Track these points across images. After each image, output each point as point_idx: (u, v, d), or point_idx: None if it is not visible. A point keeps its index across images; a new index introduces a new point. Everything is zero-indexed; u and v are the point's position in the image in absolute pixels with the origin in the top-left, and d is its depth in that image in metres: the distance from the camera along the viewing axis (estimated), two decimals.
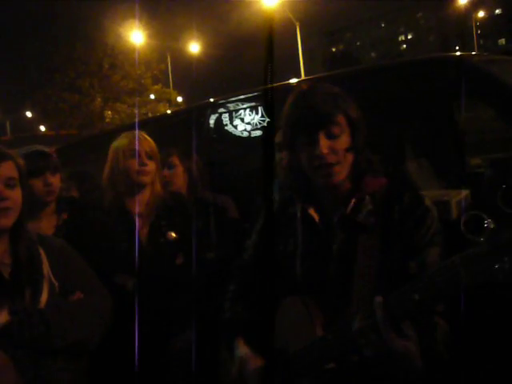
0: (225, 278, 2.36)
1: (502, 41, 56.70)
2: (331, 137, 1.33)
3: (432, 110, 3.18)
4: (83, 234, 2.09)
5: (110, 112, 24.44)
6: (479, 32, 49.06)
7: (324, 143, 1.31)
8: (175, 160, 2.60)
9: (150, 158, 2.16)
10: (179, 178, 2.61)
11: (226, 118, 3.28)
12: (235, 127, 3.24)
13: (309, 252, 1.41)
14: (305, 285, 1.40)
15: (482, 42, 54.11)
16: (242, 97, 3.26)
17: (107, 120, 24.14)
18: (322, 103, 1.32)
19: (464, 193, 2.18)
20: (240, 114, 3.22)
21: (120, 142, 2.19)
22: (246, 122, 3.20)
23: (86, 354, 1.64)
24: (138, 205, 2.14)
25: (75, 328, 1.54)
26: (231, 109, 3.26)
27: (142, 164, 2.13)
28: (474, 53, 3.03)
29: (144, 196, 2.17)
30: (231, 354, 1.45)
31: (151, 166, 2.16)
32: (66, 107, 23.07)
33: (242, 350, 1.42)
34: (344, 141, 1.34)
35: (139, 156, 2.13)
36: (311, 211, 1.43)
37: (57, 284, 1.60)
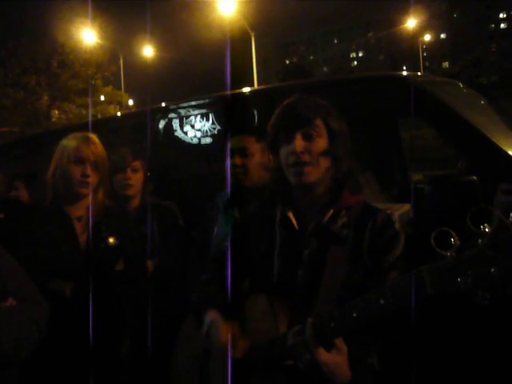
0: (168, 283, 2.35)
1: (446, 64, 59.62)
2: (307, 138, 1.42)
3: (378, 125, 3.29)
4: (19, 236, 1.99)
5: (56, 111, 23.62)
6: (425, 54, 51.37)
7: (300, 143, 1.41)
8: (138, 164, 2.55)
9: (96, 167, 2.07)
10: (140, 182, 2.56)
11: (176, 124, 3.25)
12: (185, 133, 3.22)
13: (282, 253, 1.48)
14: (273, 284, 1.45)
15: (427, 63, 56.66)
16: (193, 103, 3.25)
17: (53, 119, 23.30)
18: (304, 108, 1.44)
19: (406, 207, 2.26)
20: (191, 121, 3.20)
21: (68, 142, 2.10)
22: (197, 128, 3.19)
23: (16, 362, 1.55)
24: (78, 209, 2.06)
25: (5, 336, 1.45)
26: (182, 115, 3.24)
27: (85, 175, 2.03)
28: (419, 73, 3.16)
29: (85, 202, 2.10)
30: (201, 326, 1.50)
31: (94, 177, 2.06)
32: (9, 104, 22.08)
33: (212, 317, 1.48)
34: (320, 145, 1.43)
35: (83, 165, 2.04)
36: (290, 214, 1.49)
37: None
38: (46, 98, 23.01)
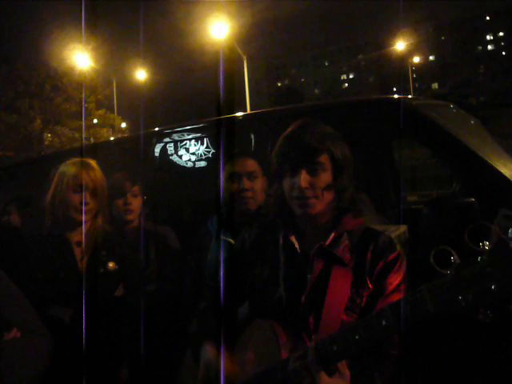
0: (166, 308, 2.32)
1: (435, 85, 60.58)
2: (312, 173, 1.41)
3: (372, 147, 3.32)
4: (17, 262, 1.97)
5: (49, 135, 23.60)
6: (414, 76, 52.16)
7: (304, 178, 1.40)
8: (137, 190, 2.55)
9: (95, 194, 2.07)
10: (139, 207, 2.56)
11: (171, 148, 3.26)
12: (180, 157, 3.23)
13: (284, 277, 1.45)
14: (276, 309, 1.42)
15: (417, 85, 57.49)
16: (188, 127, 3.27)
17: (46, 143, 23.27)
18: (310, 141, 1.41)
19: (402, 228, 2.26)
20: (185, 144, 3.21)
21: (67, 168, 2.10)
22: (191, 152, 3.19)
23: None
24: (78, 234, 2.05)
25: (8, 371, 1.42)
26: (177, 139, 3.26)
27: (83, 203, 2.03)
28: (412, 96, 3.21)
29: (84, 227, 2.08)
30: (197, 362, 1.46)
31: (92, 204, 2.07)
32: (2, 127, 22.06)
33: (209, 353, 1.44)
34: (324, 179, 1.42)
35: (83, 192, 2.03)
36: (292, 238, 1.48)
37: None
38: (38, 121, 23.02)
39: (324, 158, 1.42)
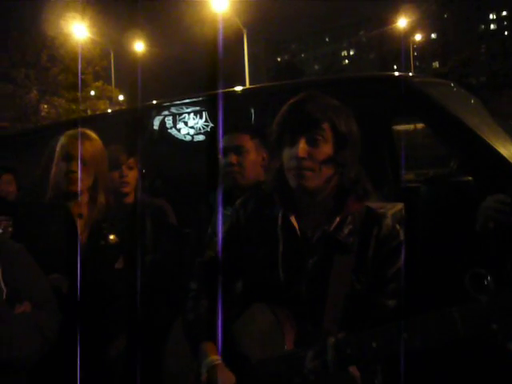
0: (162, 281, 2.34)
1: (436, 64, 59.99)
2: (311, 143, 1.34)
3: (373, 124, 3.31)
4: (32, 235, 1.96)
5: (46, 106, 23.38)
6: (415, 54, 51.64)
7: (303, 147, 1.33)
8: (133, 162, 2.54)
9: (87, 164, 2.03)
10: (135, 180, 2.55)
11: (169, 121, 3.24)
12: (178, 130, 3.21)
13: (285, 261, 1.38)
14: (275, 293, 1.37)
15: (417, 63, 56.96)
16: (186, 101, 3.24)
17: (43, 114, 23.07)
18: (312, 109, 1.34)
19: (398, 206, 2.27)
20: (184, 118, 3.19)
21: (61, 139, 2.10)
22: (190, 126, 3.18)
23: (22, 370, 1.52)
24: (79, 207, 2.05)
25: (14, 343, 1.42)
26: (175, 112, 3.23)
27: (70, 171, 2.01)
28: (414, 74, 3.19)
29: (85, 199, 2.08)
30: (196, 358, 1.40)
31: (84, 173, 2.02)
32: None
33: (211, 359, 1.36)
34: (324, 151, 1.34)
35: (69, 161, 2.01)
36: (292, 219, 1.40)
37: (5, 290, 1.49)
38: (35, 92, 22.76)
39: (326, 129, 1.34)
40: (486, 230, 1.57)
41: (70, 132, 2.11)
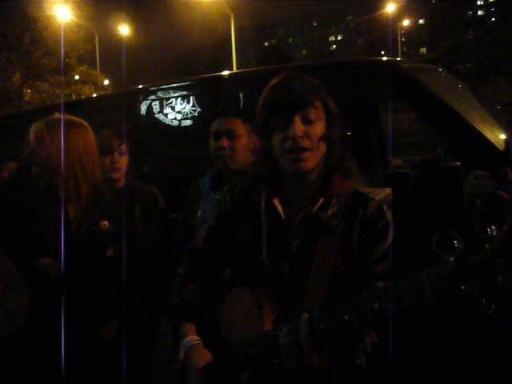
0: (152, 266, 2.33)
1: (424, 50, 60.10)
2: (307, 122, 1.32)
3: (360, 108, 3.31)
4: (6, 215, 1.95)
5: (29, 90, 22.97)
6: (403, 40, 51.61)
7: (299, 127, 1.30)
8: (124, 148, 2.52)
9: (66, 150, 1.98)
10: (125, 165, 2.53)
11: (156, 106, 3.21)
12: (165, 115, 3.18)
13: (268, 244, 1.38)
14: (259, 276, 1.37)
15: (405, 49, 56.99)
16: (174, 85, 3.21)
17: (26, 99, 22.67)
18: (302, 88, 1.31)
19: (387, 191, 2.29)
20: (171, 103, 3.16)
21: (40, 123, 2.05)
22: (177, 110, 3.15)
23: None
24: (71, 191, 2.01)
25: None
26: (163, 97, 3.20)
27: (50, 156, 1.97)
28: (403, 59, 3.18)
29: (69, 183, 2.05)
30: (177, 340, 1.41)
31: (68, 157, 1.98)
32: None
33: (189, 338, 1.38)
34: (319, 128, 1.33)
35: (44, 144, 1.98)
36: (275, 201, 1.39)
37: None
38: (17, 76, 22.33)
39: (318, 106, 1.33)
40: (472, 208, 1.57)
41: (50, 117, 2.06)
